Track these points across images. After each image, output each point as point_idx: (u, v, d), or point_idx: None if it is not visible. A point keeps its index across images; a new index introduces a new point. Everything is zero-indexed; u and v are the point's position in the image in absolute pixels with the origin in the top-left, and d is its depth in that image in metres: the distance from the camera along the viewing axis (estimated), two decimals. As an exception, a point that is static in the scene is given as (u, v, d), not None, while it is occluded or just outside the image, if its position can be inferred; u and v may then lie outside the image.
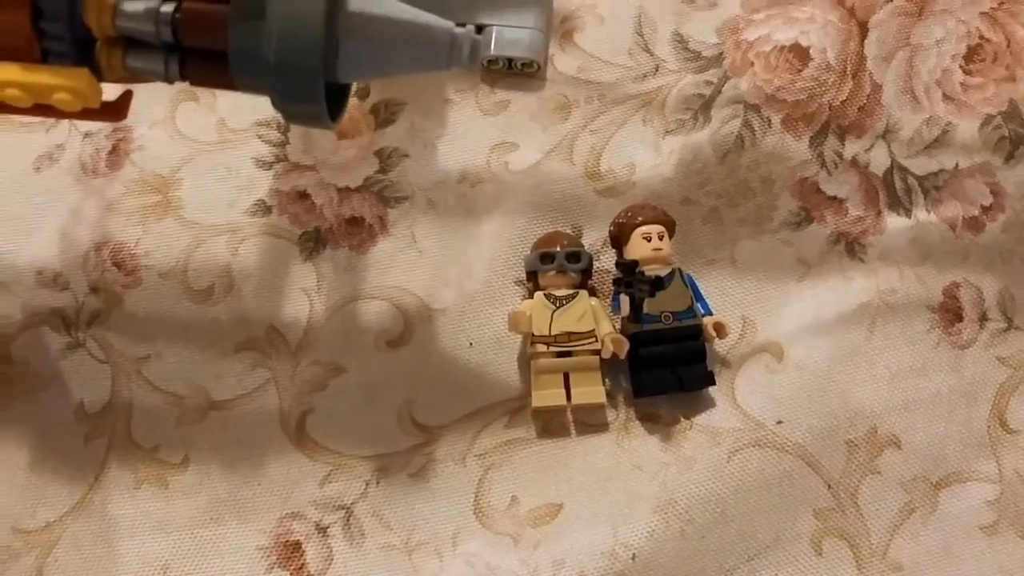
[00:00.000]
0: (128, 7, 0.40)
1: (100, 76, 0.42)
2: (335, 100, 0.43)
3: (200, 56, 0.41)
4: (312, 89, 0.40)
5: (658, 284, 0.52)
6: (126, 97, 0.47)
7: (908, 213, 0.57)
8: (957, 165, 0.57)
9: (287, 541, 0.52)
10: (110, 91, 0.44)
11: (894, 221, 0.56)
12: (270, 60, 0.39)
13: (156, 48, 0.41)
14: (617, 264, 0.54)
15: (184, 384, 0.55)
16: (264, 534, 0.52)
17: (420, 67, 0.42)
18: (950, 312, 0.55)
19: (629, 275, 0.52)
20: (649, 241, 0.53)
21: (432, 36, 0.41)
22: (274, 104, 0.41)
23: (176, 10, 0.40)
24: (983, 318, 0.55)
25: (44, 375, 0.55)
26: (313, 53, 0.39)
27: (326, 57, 0.39)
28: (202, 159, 0.59)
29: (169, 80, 0.42)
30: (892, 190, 0.57)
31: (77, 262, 0.57)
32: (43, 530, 0.52)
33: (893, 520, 0.51)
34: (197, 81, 0.43)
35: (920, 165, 0.57)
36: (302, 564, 0.51)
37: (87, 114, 0.44)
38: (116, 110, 0.46)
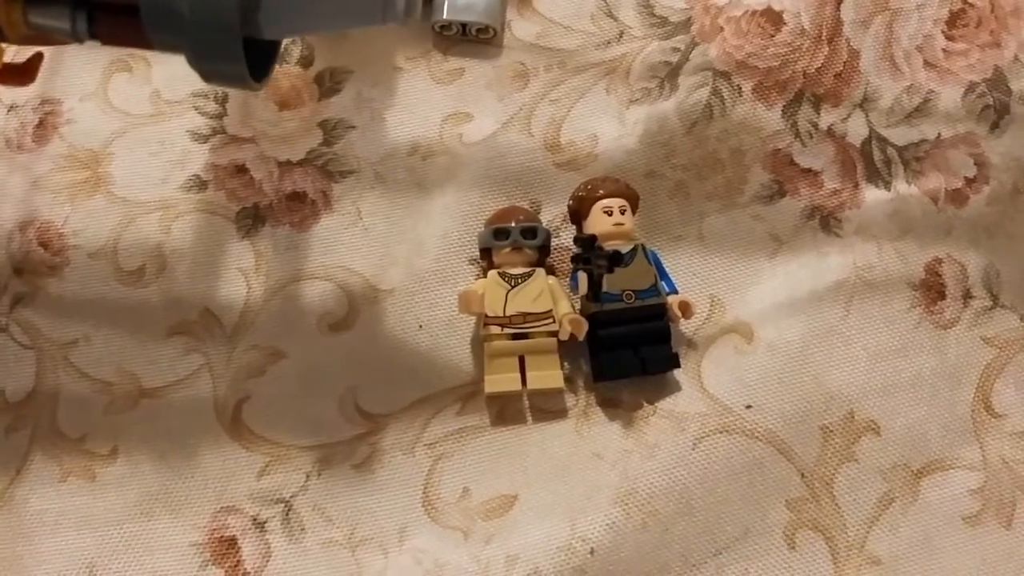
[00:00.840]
0: (26, -46, 0.37)
1: (1, 35, 0.39)
2: (261, 58, 0.40)
3: (111, 12, 0.38)
4: (230, 45, 0.37)
5: (617, 259, 0.49)
6: (35, 60, 0.44)
7: (887, 185, 0.54)
8: (939, 135, 0.54)
9: (222, 537, 0.49)
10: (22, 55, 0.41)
11: (872, 194, 0.54)
12: (184, 13, 0.36)
13: (62, 2, 0.38)
14: (575, 240, 0.51)
15: (113, 370, 0.52)
16: (198, 529, 0.49)
17: (352, 22, 0.39)
18: (932, 289, 0.52)
19: (587, 250, 0.49)
20: (610, 215, 0.50)
21: None
22: (190, 62, 0.38)
23: None
24: (967, 296, 0.52)
25: (-38, 362, 0.52)
26: (228, 4, 0.36)
27: (244, 10, 0.36)
28: (135, 133, 0.56)
29: (79, 39, 0.39)
30: (870, 161, 0.54)
31: (0, 242, 0.54)
32: (-41, 526, 0.49)
33: (871, 511, 0.49)
34: (110, 40, 0.40)
35: (900, 135, 0.54)
36: (238, 561, 0.49)
37: (-12, 77, 0.41)
38: (23, 73, 0.43)
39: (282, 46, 0.43)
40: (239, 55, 0.37)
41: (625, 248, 0.49)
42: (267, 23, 0.38)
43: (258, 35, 0.38)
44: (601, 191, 0.51)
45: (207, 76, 0.40)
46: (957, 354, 0.52)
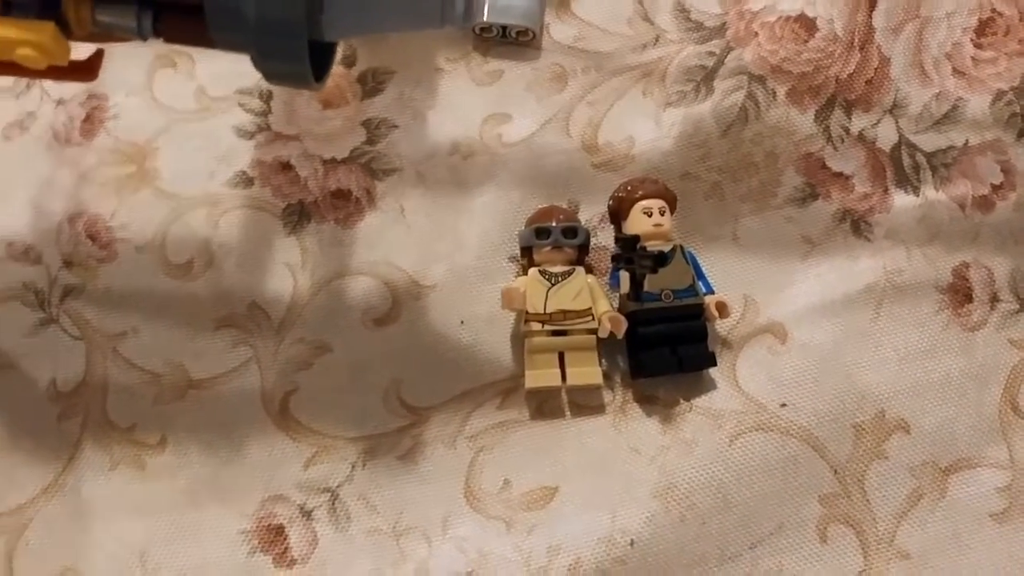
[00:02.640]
0: (97, -44, 0.37)
1: (68, 32, 0.40)
2: (320, 60, 0.41)
3: (176, 10, 0.39)
4: (295, 46, 0.38)
5: (661, 260, 0.50)
6: (97, 56, 0.45)
7: (916, 191, 0.55)
8: (967, 142, 0.55)
9: (270, 525, 0.50)
10: (82, 52, 0.41)
11: (901, 199, 0.55)
12: (250, 14, 0.36)
13: (129, 1, 0.39)
14: (617, 239, 0.52)
15: (162, 362, 0.53)
16: (246, 518, 0.50)
17: (412, 24, 0.40)
18: (960, 293, 0.53)
19: (630, 250, 0.50)
20: (650, 216, 0.51)
21: None
22: (255, 63, 0.39)
23: None
24: (994, 299, 0.53)
25: (15, 352, 0.53)
26: (294, 6, 0.36)
27: (310, 12, 0.37)
28: (180, 128, 0.57)
29: (143, 37, 0.40)
30: (900, 167, 0.55)
31: (50, 235, 0.55)
32: (13, 513, 0.51)
33: (900, 506, 0.50)
34: (173, 38, 0.41)
35: (929, 141, 0.55)
36: (285, 549, 0.50)
37: (55, 73, 0.42)
38: (87, 70, 0.44)
39: (339, 47, 0.44)
40: (304, 56, 0.38)
41: (665, 248, 0.50)
42: (330, 25, 0.38)
43: (320, 37, 0.39)
44: (640, 192, 0.52)
45: (270, 76, 0.41)
46: (984, 356, 0.52)
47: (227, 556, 0.50)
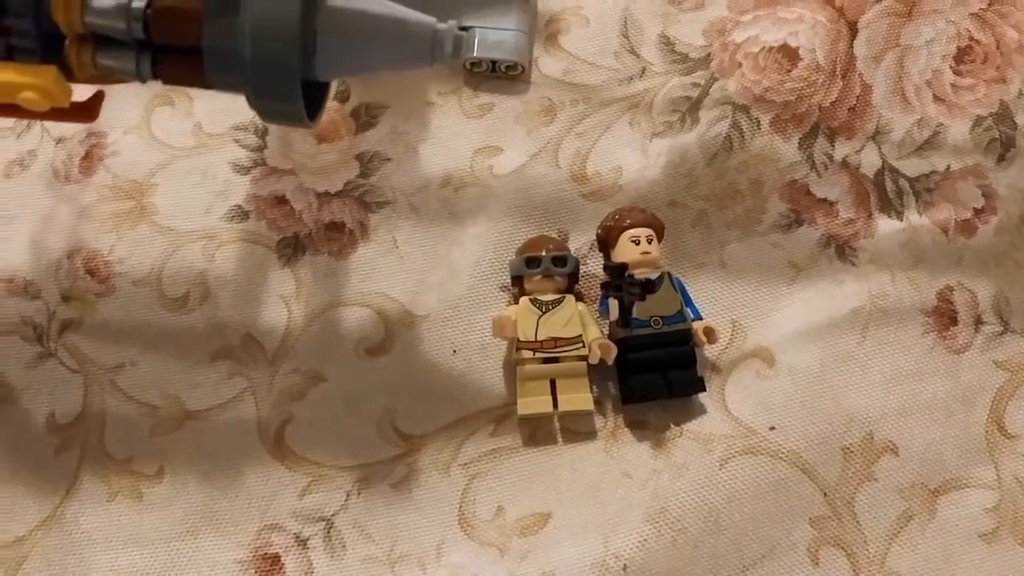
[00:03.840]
0: (98, 3, 0.38)
1: (70, 75, 0.41)
2: (314, 99, 0.42)
3: (173, 54, 0.40)
4: (289, 86, 0.39)
5: (649, 287, 0.51)
6: (97, 98, 0.46)
7: (900, 216, 0.56)
8: (949, 167, 0.56)
9: (266, 554, 0.50)
10: (82, 92, 0.43)
11: (885, 224, 0.55)
12: (245, 56, 0.38)
13: (128, 45, 0.40)
14: (606, 267, 0.53)
15: (159, 394, 0.53)
16: (242, 547, 0.51)
17: (402, 64, 0.41)
18: (944, 316, 0.54)
19: (619, 278, 0.51)
20: (638, 244, 0.52)
21: (414, 32, 0.39)
22: (250, 102, 0.40)
23: (148, 6, 0.39)
24: (978, 322, 0.54)
25: (14, 385, 0.54)
26: (290, 48, 0.37)
27: (303, 53, 0.38)
28: (178, 164, 0.58)
29: (142, 79, 0.41)
30: (883, 192, 0.56)
31: (49, 270, 0.56)
32: (12, 545, 0.51)
33: (891, 528, 0.50)
34: (171, 80, 0.42)
35: (911, 167, 0.56)
36: (281, 577, 0.50)
37: (56, 115, 0.43)
38: (87, 111, 0.45)
39: (333, 86, 0.45)
40: (297, 96, 0.39)
41: (653, 276, 0.51)
42: (323, 66, 0.39)
43: (313, 77, 0.40)
44: (628, 220, 0.53)
45: (265, 115, 0.42)
46: (970, 377, 0.53)
47: (224, 586, 0.50)
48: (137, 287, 0.55)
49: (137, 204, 0.57)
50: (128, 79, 0.42)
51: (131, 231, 0.56)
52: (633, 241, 0.52)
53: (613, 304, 0.51)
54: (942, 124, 0.57)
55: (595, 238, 0.55)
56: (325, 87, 0.43)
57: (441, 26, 0.39)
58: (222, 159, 0.58)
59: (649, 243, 0.52)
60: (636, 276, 0.51)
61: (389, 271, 0.55)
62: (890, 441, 0.51)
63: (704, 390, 0.52)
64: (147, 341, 0.54)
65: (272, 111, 0.41)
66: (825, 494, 0.50)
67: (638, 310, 0.51)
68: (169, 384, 0.53)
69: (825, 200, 0.56)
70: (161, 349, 0.54)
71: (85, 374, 0.54)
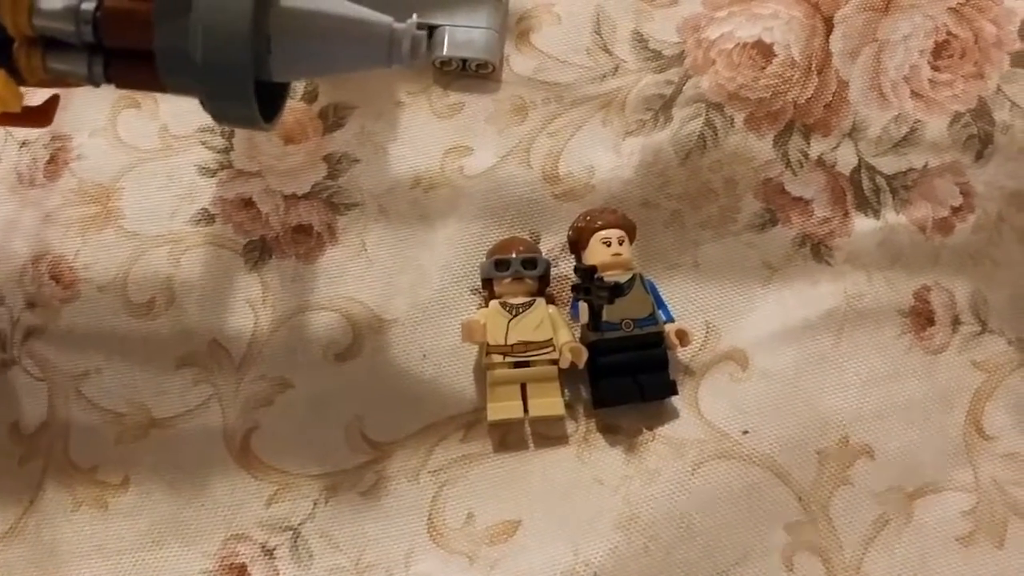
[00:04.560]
0: (46, 5, 0.38)
1: (20, 79, 0.40)
2: (271, 100, 0.41)
3: (126, 56, 0.40)
4: (241, 88, 0.38)
5: (618, 291, 0.50)
6: (52, 102, 0.45)
7: (876, 214, 0.55)
8: (926, 164, 0.55)
9: (232, 564, 0.50)
10: (39, 97, 0.42)
11: (862, 223, 0.55)
12: (196, 58, 0.37)
13: (79, 49, 0.39)
14: (575, 269, 0.52)
15: (124, 401, 0.53)
16: (208, 557, 0.50)
17: (359, 64, 0.41)
18: (921, 316, 0.53)
19: (587, 281, 0.50)
20: (609, 246, 0.51)
21: (370, 31, 0.39)
22: (203, 105, 0.40)
23: (97, 8, 0.38)
24: (955, 322, 0.53)
25: (-24, 395, 0.53)
26: (241, 49, 0.37)
27: (256, 54, 0.37)
28: (144, 167, 0.57)
29: (95, 83, 0.40)
30: (860, 190, 0.55)
31: (13, 276, 0.55)
32: (-26, 557, 0.50)
33: (867, 533, 0.49)
34: (124, 83, 0.41)
35: (888, 164, 0.56)
36: (247, 588, 0.49)
37: (9, 119, 0.42)
38: (41, 115, 0.45)
39: (291, 87, 0.44)
40: (250, 98, 0.38)
41: (624, 278, 0.50)
42: (278, 67, 0.39)
43: (268, 78, 0.39)
44: (599, 222, 0.52)
45: (219, 117, 0.41)
46: (948, 378, 0.52)
47: (190, 596, 0.49)
48: (102, 293, 0.54)
49: (103, 208, 0.56)
50: (82, 83, 0.41)
51: (97, 236, 0.55)
52: (604, 243, 0.51)
53: (583, 307, 0.51)
54: (920, 120, 0.56)
55: (567, 239, 0.54)
56: (284, 88, 0.43)
57: (398, 25, 0.39)
58: (188, 162, 0.57)
59: (620, 244, 0.51)
60: (605, 279, 0.50)
61: (358, 274, 0.55)
62: (866, 444, 0.51)
63: (676, 393, 0.51)
64: (112, 348, 0.53)
65: (226, 114, 0.41)
66: (800, 498, 0.50)
67: (608, 313, 0.50)
68: (135, 391, 0.53)
69: (800, 199, 0.55)
70: (126, 356, 0.53)
71: (49, 382, 0.53)
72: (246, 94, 0.38)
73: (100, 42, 0.39)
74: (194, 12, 0.36)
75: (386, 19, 0.39)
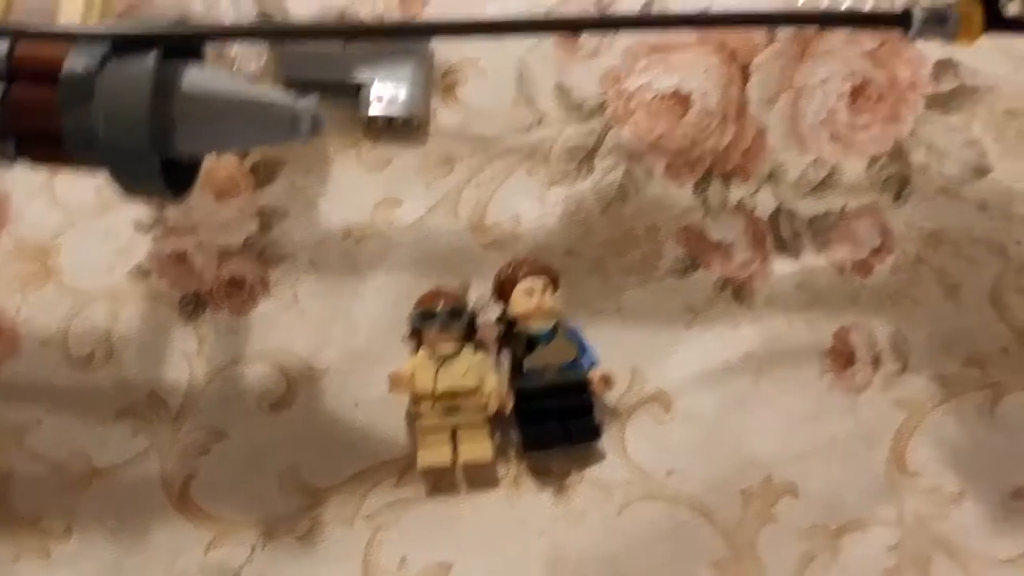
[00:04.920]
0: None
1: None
2: (185, 170, 0.43)
3: (37, 136, 0.41)
4: (146, 166, 0.40)
5: (534, 341, 0.51)
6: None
7: (795, 256, 0.56)
8: (845, 206, 0.57)
9: (174, 610, 0.51)
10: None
11: (781, 265, 0.56)
12: (101, 140, 0.39)
13: None
14: (497, 320, 0.53)
15: (66, 452, 0.54)
16: (149, 604, 0.51)
17: (262, 140, 0.42)
18: (842, 356, 0.54)
19: (508, 331, 0.51)
20: (531, 296, 0.52)
21: (271, 112, 0.40)
22: (111, 182, 0.41)
23: (3, 96, 0.39)
24: (876, 361, 0.54)
25: (-82, 449, 0.54)
26: (140, 135, 0.38)
27: (158, 136, 0.39)
28: (82, 224, 0.58)
29: (9, 160, 0.42)
30: (779, 234, 0.56)
31: (-44, 332, 0.56)
32: (-86, 612, 0.51)
33: (793, 569, 0.50)
34: (37, 160, 0.43)
35: (807, 207, 0.57)
36: (188, 633, 0.50)
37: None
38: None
39: (204, 159, 0.45)
40: (155, 175, 0.40)
41: (545, 327, 0.52)
42: (182, 144, 0.40)
43: (174, 155, 0.41)
44: (521, 272, 0.53)
45: (128, 192, 0.42)
46: (870, 416, 0.53)
47: (131, 644, 0.50)
48: (43, 347, 0.56)
49: (42, 265, 0.57)
50: (-3, 159, 0.42)
51: (37, 292, 0.57)
52: (527, 293, 0.52)
53: (504, 356, 0.52)
54: (838, 164, 0.57)
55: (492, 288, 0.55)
56: (196, 162, 0.44)
57: (300, 105, 0.40)
58: (125, 218, 0.58)
59: (543, 293, 0.52)
60: (523, 329, 0.51)
61: (290, 326, 0.56)
62: (790, 482, 0.52)
63: (599, 437, 0.52)
64: (54, 400, 0.55)
65: (134, 189, 0.42)
66: (726, 537, 0.50)
67: (530, 361, 0.51)
68: (76, 442, 0.54)
69: (721, 243, 0.56)
70: (67, 408, 0.54)
71: (-9, 434, 0.54)
72: (151, 173, 0.40)
73: (7, 126, 0.40)
74: (95, 99, 0.38)
75: (287, 99, 0.40)
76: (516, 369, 0.51)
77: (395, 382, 0.51)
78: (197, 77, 0.40)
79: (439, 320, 0.52)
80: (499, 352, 0.53)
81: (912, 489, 0.52)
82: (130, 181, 0.41)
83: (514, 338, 0.51)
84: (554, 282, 0.54)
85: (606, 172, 0.57)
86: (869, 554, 0.51)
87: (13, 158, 0.41)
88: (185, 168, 0.42)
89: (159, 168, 0.39)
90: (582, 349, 0.53)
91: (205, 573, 0.51)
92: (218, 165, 0.57)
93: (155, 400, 0.54)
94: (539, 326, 0.52)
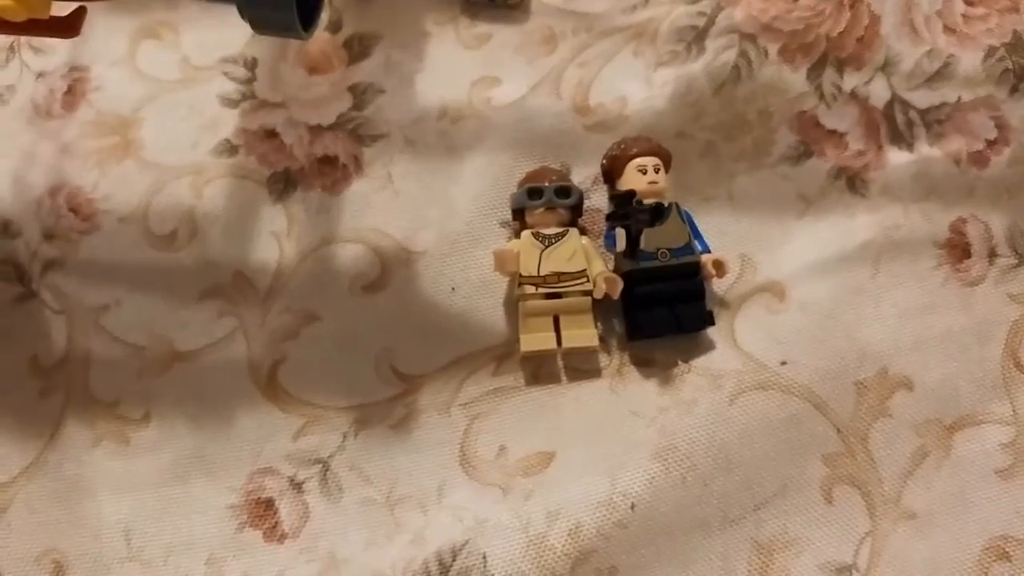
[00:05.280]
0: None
1: (48, -17, 0.39)
2: (307, 10, 0.40)
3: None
4: None
5: (658, 212, 0.49)
6: (79, 13, 0.44)
7: (910, 147, 0.54)
8: (960, 98, 0.55)
9: (259, 499, 0.49)
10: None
11: (896, 156, 0.54)
12: None
13: None
14: (612, 196, 0.51)
15: (145, 334, 0.51)
16: (234, 492, 0.49)
17: None
18: (957, 248, 0.52)
19: (626, 206, 0.49)
20: (645, 174, 0.50)
21: None
22: (241, 12, 0.39)
23: None
24: (992, 254, 0.52)
25: (-6, 327, 0.52)
26: None
27: None
28: (164, 98, 0.56)
29: None
30: (893, 124, 0.54)
31: (30, 208, 0.54)
32: (-7, 493, 0.49)
33: (906, 465, 0.49)
34: None
35: (922, 98, 0.55)
36: (276, 523, 0.48)
37: (36, 28, 0.41)
38: (68, 26, 0.43)
39: (326, 9, 0.43)
40: (290, 2, 0.38)
41: (663, 204, 0.50)
42: None
43: None
44: (635, 150, 0.51)
45: (257, 24, 0.40)
46: (985, 311, 0.51)
47: (215, 532, 0.48)
48: (123, 224, 0.53)
49: (122, 139, 0.55)
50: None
51: (116, 167, 0.54)
52: (640, 170, 0.50)
53: (620, 234, 0.50)
54: (953, 55, 0.55)
55: (599, 170, 0.53)
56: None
57: None
58: (210, 92, 0.56)
59: (656, 172, 0.50)
60: (644, 202, 0.49)
61: (384, 207, 0.54)
62: (904, 376, 0.50)
63: (713, 324, 0.50)
64: (133, 280, 0.52)
65: (264, 20, 0.40)
66: (838, 430, 0.49)
67: (645, 241, 0.49)
68: (156, 324, 0.52)
69: (835, 132, 0.54)
70: (148, 288, 0.52)
71: (69, 315, 0.52)
72: None
73: None
74: None
75: None
76: (630, 248, 0.49)
77: (500, 260, 0.49)
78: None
79: (546, 198, 0.50)
80: (608, 233, 0.51)
81: (1027, 386, 0.50)
82: (262, 9, 0.38)
83: (634, 212, 0.48)
84: (666, 162, 0.51)
85: (718, 53, 0.55)
86: (983, 451, 0.49)
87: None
88: (306, 5, 0.40)
89: None
90: (694, 233, 0.50)
91: (293, 461, 0.49)
92: (311, 40, 0.55)
93: (242, 281, 0.52)
94: (654, 202, 0.50)
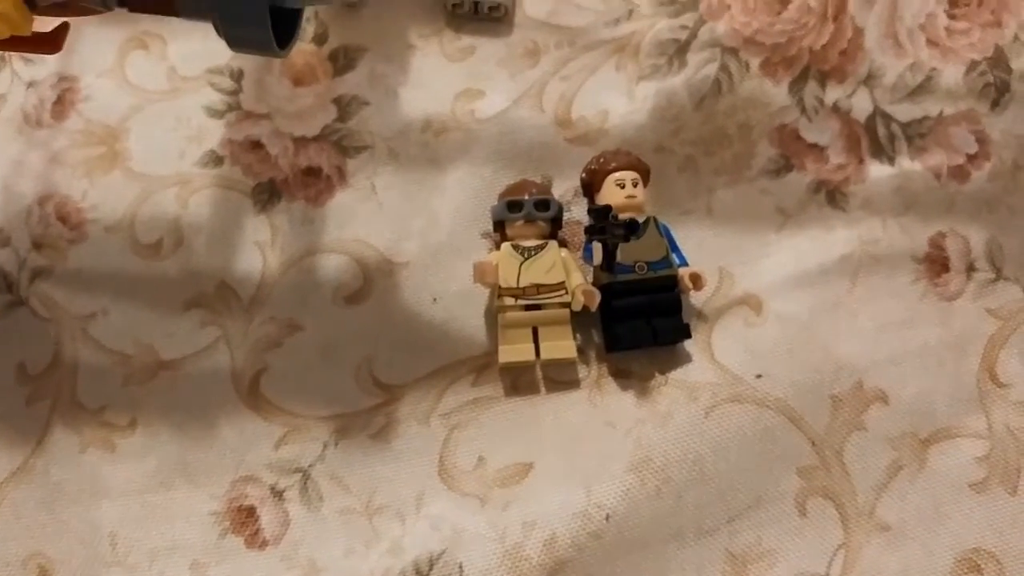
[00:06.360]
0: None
1: (31, 3, 0.40)
2: (284, 28, 0.41)
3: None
4: (256, 10, 0.38)
5: (632, 228, 0.49)
6: (62, 29, 0.45)
7: (891, 161, 0.54)
8: (942, 112, 0.55)
9: (241, 506, 0.49)
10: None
11: (877, 169, 0.54)
12: None
13: None
14: (590, 210, 0.51)
15: (131, 343, 0.52)
16: (216, 499, 0.50)
17: None
18: (936, 263, 0.53)
19: (602, 220, 0.49)
20: (623, 188, 0.51)
21: None
22: (218, 30, 0.39)
23: None
24: (970, 268, 0.53)
25: (-18, 335, 0.52)
26: None
27: None
28: (151, 109, 0.57)
29: (107, 7, 0.40)
30: (875, 137, 0.55)
31: (19, 216, 0.54)
32: (-19, 496, 0.50)
33: (880, 478, 0.49)
34: (137, 7, 0.41)
35: (904, 111, 0.55)
36: (257, 530, 0.49)
37: (18, 44, 0.41)
38: (51, 42, 0.44)
39: (303, 16, 0.43)
40: (265, 20, 0.38)
41: (638, 219, 0.50)
42: None
43: (282, 3, 0.39)
44: (613, 164, 0.51)
45: (233, 43, 0.40)
46: (962, 325, 0.52)
47: (198, 538, 0.49)
48: (110, 233, 0.54)
49: (110, 149, 0.55)
50: (94, 10, 0.41)
51: (104, 177, 0.55)
52: (618, 184, 0.51)
53: (597, 248, 0.50)
54: (935, 68, 0.56)
55: (579, 183, 0.54)
56: (297, 15, 0.42)
57: None
58: (196, 103, 0.56)
59: (635, 187, 0.51)
60: (620, 217, 0.49)
61: (367, 218, 0.54)
62: (880, 389, 0.50)
63: (689, 337, 0.50)
64: (120, 289, 0.53)
65: (240, 38, 0.40)
66: (813, 443, 0.49)
67: (622, 254, 0.49)
68: (142, 333, 0.52)
69: (815, 145, 0.54)
70: (134, 297, 0.53)
71: (56, 323, 0.52)
72: (261, 17, 0.38)
73: None
74: None
75: None
76: (607, 262, 0.50)
77: (480, 271, 0.49)
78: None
79: (526, 211, 0.50)
80: (587, 246, 0.51)
81: (1003, 400, 0.51)
82: (238, 28, 0.39)
83: (610, 227, 0.49)
84: (645, 177, 0.52)
85: (699, 66, 0.55)
86: (957, 465, 0.49)
87: (113, 5, 0.39)
88: (283, 23, 0.40)
89: (267, 12, 0.37)
90: (672, 246, 0.51)
91: (274, 470, 0.50)
92: (295, 51, 0.55)
93: (226, 290, 0.53)
94: (630, 217, 0.50)
